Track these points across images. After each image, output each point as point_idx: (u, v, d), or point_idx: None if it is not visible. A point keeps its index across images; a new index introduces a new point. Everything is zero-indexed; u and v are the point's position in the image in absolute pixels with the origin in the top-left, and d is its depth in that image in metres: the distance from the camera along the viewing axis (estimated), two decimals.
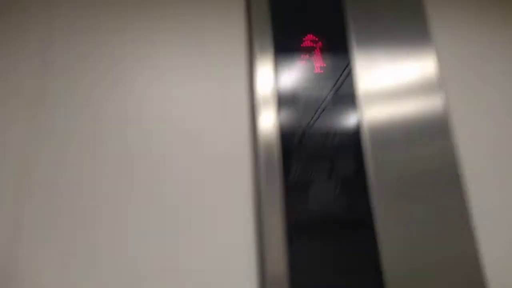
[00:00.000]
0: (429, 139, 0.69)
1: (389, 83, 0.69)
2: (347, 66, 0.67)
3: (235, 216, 0.65)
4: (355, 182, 0.66)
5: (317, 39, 0.68)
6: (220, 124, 0.68)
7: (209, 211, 0.66)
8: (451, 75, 0.74)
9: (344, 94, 0.68)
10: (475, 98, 0.74)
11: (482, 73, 0.76)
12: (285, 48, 0.68)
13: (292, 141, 0.65)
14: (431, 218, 0.67)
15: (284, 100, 0.66)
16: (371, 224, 0.65)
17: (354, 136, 0.66)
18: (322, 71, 0.67)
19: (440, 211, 0.68)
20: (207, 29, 0.73)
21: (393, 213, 0.66)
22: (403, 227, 0.66)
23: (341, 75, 0.67)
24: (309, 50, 0.68)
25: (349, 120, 0.66)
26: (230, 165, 0.66)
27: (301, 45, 0.68)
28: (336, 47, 0.69)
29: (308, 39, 0.69)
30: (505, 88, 0.76)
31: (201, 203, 0.66)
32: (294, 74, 0.67)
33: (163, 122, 0.68)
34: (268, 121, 0.66)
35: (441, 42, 0.75)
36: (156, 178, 0.66)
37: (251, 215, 0.65)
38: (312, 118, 0.66)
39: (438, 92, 0.70)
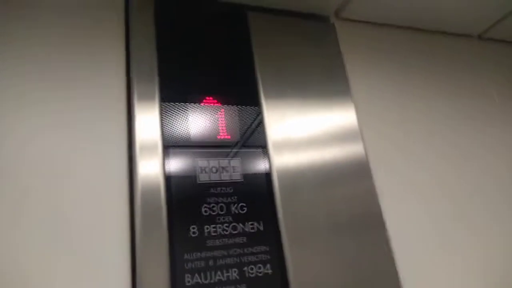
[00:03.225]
0: (349, 181, 0.72)
1: (306, 133, 0.73)
2: (255, 120, 0.69)
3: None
4: (266, 229, 0.62)
5: (219, 98, 0.66)
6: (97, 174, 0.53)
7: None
8: (368, 125, 0.80)
9: (253, 145, 0.68)
10: (390, 145, 0.81)
11: (396, 123, 0.84)
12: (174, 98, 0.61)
13: (185, 191, 0.58)
14: (350, 254, 0.65)
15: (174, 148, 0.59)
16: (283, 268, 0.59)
17: (264, 184, 0.66)
18: (225, 126, 0.66)
19: (360, 249, 0.67)
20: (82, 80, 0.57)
21: (306, 253, 0.63)
22: (319, 266, 0.62)
23: (248, 129, 0.68)
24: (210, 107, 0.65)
25: (259, 168, 0.67)
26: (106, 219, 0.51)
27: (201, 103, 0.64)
28: (244, 103, 0.69)
29: (209, 99, 0.66)
30: (418, 135, 0.84)
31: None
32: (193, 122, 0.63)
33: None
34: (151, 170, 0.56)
35: (359, 97, 0.81)
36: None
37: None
38: (214, 167, 0.63)
39: (356, 139, 0.77)
